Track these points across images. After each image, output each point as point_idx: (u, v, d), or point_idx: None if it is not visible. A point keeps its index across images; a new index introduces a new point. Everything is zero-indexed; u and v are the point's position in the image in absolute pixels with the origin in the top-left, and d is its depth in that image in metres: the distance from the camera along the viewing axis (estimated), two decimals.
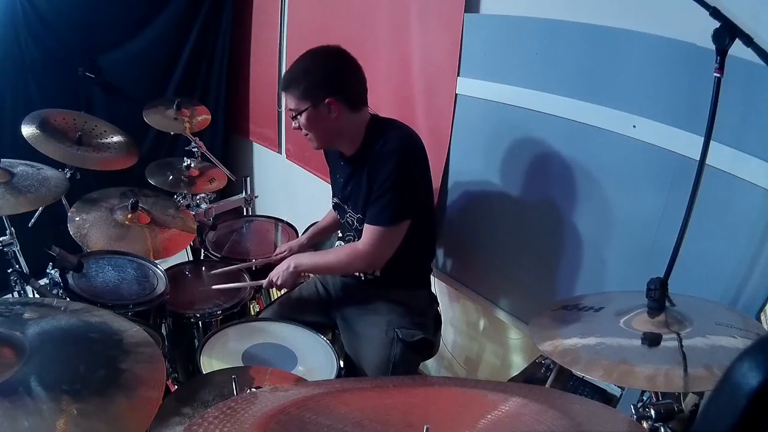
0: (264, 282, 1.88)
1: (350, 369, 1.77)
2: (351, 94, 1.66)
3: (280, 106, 3.03)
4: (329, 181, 1.97)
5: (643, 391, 1.17)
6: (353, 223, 1.80)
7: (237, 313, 1.92)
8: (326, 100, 1.62)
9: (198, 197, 2.52)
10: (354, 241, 1.81)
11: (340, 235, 1.99)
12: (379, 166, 1.63)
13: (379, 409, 0.74)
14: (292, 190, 3.18)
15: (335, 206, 1.91)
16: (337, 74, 1.64)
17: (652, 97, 1.50)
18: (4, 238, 1.94)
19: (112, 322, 1.04)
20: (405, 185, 1.64)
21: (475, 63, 1.93)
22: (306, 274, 2.01)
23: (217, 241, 2.35)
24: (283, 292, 2.06)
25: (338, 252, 1.86)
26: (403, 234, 1.68)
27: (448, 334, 2.35)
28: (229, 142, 3.48)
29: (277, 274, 1.83)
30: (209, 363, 1.53)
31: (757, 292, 1.34)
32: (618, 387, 1.51)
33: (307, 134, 1.71)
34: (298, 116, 1.66)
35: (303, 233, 2.28)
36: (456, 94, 2.00)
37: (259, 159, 3.47)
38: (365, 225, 1.69)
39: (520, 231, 1.93)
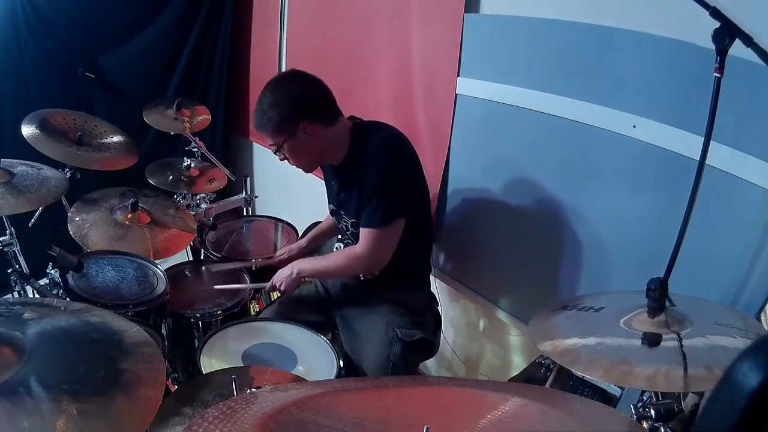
0: (267, 285, 1.89)
1: (350, 369, 1.77)
2: (322, 112, 1.68)
3: None
4: None
5: (643, 391, 1.17)
6: (348, 228, 1.81)
7: (237, 313, 1.92)
8: (300, 126, 1.63)
9: (198, 197, 2.52)
10: (351, 245, 1.81)
11: (339, 237, 2.00)
12: (367, 170, 1.64)
13: (379, 409, 0.74)
14: (292, 190, 3.18)
15: (332, 212, 1.92)
16: (302, 98, 1.65)
17: (652, 97, 1.50)
18: (4, 238, 1.94)
19: (112, 322, 1.04)
20: (394, 184, 1.64)
21: (475, 63, 1.93)
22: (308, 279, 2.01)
23: (217, 241, 2.35)
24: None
25: (338, 256, 1.86)
26: (399, 233, 1.68)
27: (448, 334, 2.35)
28: (229, 142, 3.48)
29: (280, 279, 1.84)
30: (209, 363, 1.53)
31: (757, 292, 1.34)
32: (618, 387, 1.51)
33: (295, 164, 1.74)
34: (281, 150, 1.69)
35: (303, 234, 2.28)
36: (456, 94, 2.00)
37: (259, 159, 3.47)
38: (361, 228, 1.70)
39: (520, 231, 1.93)
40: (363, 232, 1.69)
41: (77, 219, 1.92)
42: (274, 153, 1.73)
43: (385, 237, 1.67)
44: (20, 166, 1.88)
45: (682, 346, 1.02)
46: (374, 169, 1.62)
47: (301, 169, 1.79)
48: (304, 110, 1.64)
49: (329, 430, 0.66)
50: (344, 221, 1.83)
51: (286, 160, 1.74)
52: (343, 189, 1.79)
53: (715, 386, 0.45)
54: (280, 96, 1.65)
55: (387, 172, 1.63)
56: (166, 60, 3.09)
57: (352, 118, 1.78)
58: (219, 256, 2.24)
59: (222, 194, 2.84)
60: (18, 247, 1.97)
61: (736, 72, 1.26)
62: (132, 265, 1.78)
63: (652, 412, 1.01)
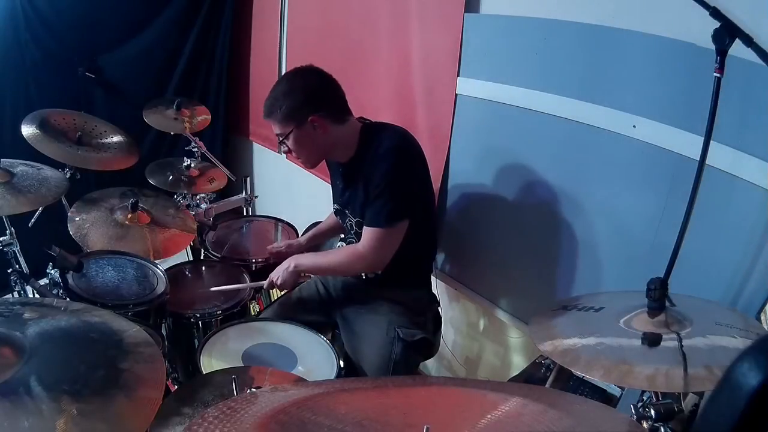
0: (264, 283, 1.88)
1: (350, 369, 1.76)
2: (333, 108, 1.68)
3: None
4: (330, 182, 1.98)
5: (643, 391, 1.17)
6: (353, 227, 1.81)
7: (237, 313, 1.92)
8: (309, 119, 1.64)
9: (198, 197, 2.52)
10: (354, 243, 1.81)
11: (342, 236, 1.99)
12: (374, 170, 1.64)
13: (379, 409, 0.74)
14: (292, 190, 3.18)
15: (336, 211, 1.92)
16: (315, 91, 1.66)
17: (652, 97, 1.50)
18: (4, 238, 1.94)
19: (112, 322, 1.04)
20: (401, 186, 1.64)
21: (475, 63, 1.93)
22: (306, 274, 2.01)
23: (217, 241, 2.35)
24: (283, 292, 2.06)
25: (339, 253, 1.86)
26: (402, 234, 1.68)
27: (448, 334, 2.35)
28: (229, 142, 3.48)
29: (277, 274, 1.84)
30: (209, 363, 1.53)
31: (757, 292, 1.34)
32: (618, 387, 1.51)
33: (298, 156, 1.74)
34: (285, 140, 1.69)
35: (303, 234, 2.28)
36: (456, 94, 2.00)
37: (259, 159, 3.47)
38: (364, 227, 1.70)
39: (520, 231, 1.93)
40: (366, 230, 1.69)
41: (77, 219, 1.92)
42: (279, 143, 1.72)
43: (388, 237, 1.67)
44: (20, 166, 1.88)
45: (682, 346, 1.02)
46: (383, 170, 1.62)
47: (301, 165, 1.78)
48: (316, 103, 1.64)
49: (329, 430, 0.66)
50: (348, 220, 1.83)
51: (288, 153, 1.74)
52: (348, 188, 1.79)
53: (715, 386, 0.45)
54: (295, 86, 1.66)
55: (395, 174, 1.63)
56: (166, 60, 3.10)
57: (361, 119, 1.79)
58: (219, 256, 2.24)
59: (222, 194, 2.85)
60: (18, 247, 1.97)
61: (736, 72, 1.26)
62: (132, 265, 1.78)
63: (652, 412, 1.01)
